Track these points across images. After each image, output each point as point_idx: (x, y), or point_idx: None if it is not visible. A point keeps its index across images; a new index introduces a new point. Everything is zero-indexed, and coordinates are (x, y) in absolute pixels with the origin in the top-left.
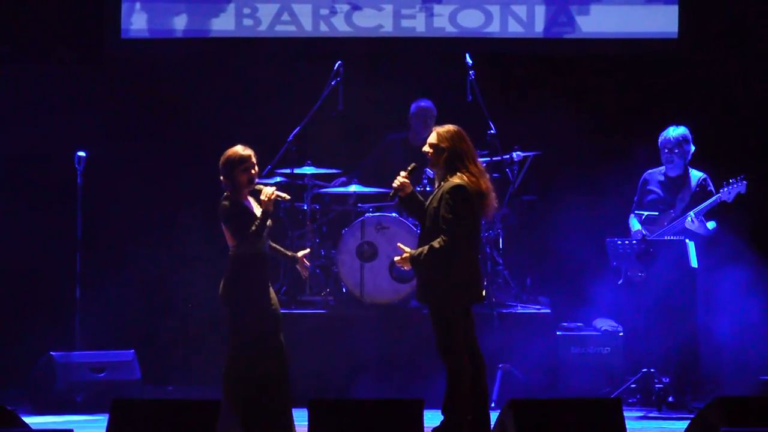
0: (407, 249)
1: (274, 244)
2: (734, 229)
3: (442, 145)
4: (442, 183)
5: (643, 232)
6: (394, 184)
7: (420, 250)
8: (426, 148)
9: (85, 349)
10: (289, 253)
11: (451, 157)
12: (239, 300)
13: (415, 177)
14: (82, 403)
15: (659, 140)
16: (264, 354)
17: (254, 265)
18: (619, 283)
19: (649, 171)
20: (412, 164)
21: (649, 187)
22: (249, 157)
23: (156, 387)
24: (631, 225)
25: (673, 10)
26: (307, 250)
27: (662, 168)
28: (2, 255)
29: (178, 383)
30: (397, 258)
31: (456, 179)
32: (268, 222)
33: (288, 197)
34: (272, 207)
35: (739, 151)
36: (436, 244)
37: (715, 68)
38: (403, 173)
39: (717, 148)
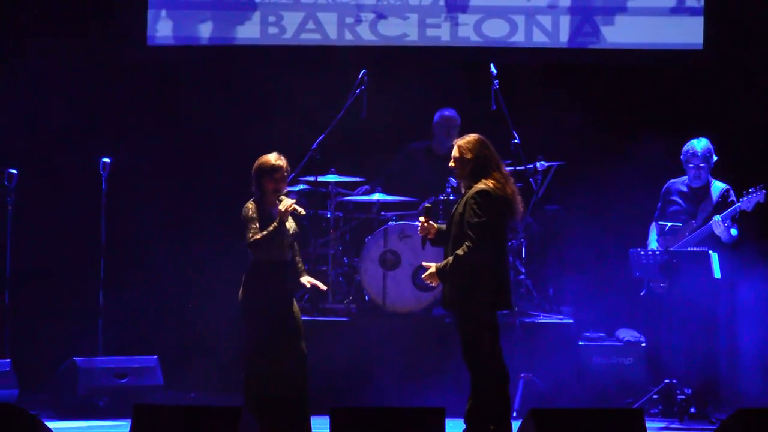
0: (432, 264)
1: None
2: (757, 238)
3: (467, 156)
4: (467, 191)
5: (656, 247)
6: (419, 233)
7: (445, 262)
8: (451, 163)
9: (108, 354)
10: (300, 270)
11: (476, 167)
12: (253, 308)
13: (433, 212)
14: (105, 409)
15: (683, 153)
16: (282, 362)
17: (272, 273)
18: (642, 294)
19: (672, 181)
20: (426, 205)
21: (671, 198)
22: (280, 167)
23: (178, 393)
24: (649, 237)
25: (699, 21)
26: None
27: (684, 178)
28: (27, 260)
29: (200, 389)
30: (424, 275)
31: (481, 185)
32: (291, 229)
33: (303, 212)
34: (286, 218)
35: (764, 162)
36: (460, 251)
37: (739, 79)
38: (421, 219)
39: (741, 159)
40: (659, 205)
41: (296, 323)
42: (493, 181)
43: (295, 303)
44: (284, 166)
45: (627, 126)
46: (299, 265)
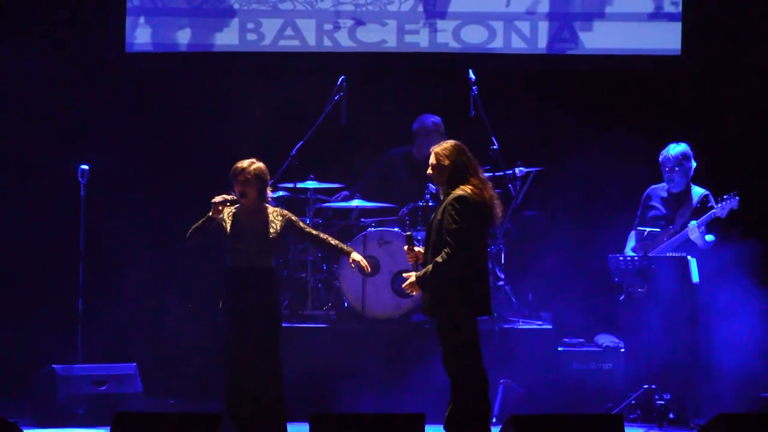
0: (412, 273)
1: (327, 240)
2: (735, 243)
3: (444, 162)
4: (445, 197)
5: (631, 254)
6: (409, 261)
7: (424, 270)
8: (429, 171)
9: (87, 361)
10: (338, 247)
11: (453, 173)
12: (223, 313)
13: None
14: (84, 416)
15: (660, 158)
16: (255, 368)
17: (235, 279)
18: (621, 299)
19: (653, 187)
20: (407, 233)
21: (651, 203)
22: (242, 170)
23: (158, 400)
24: (627, 243)
25: (677, 27)
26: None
27: (665, 184)
28: (4, 266)
29: (179, 397)
30: (405, 285)
31: (458, 191)
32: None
33: (227, 197)
34: (216, 211)
35: (741, 168)
36: (439, 258)
37: (717, 85)
38: (405, 248)
39: (719, 164)
40: (639, 212)
41: (267, 328)
42: (470, 187)
43: (271, 308)
44: (247, 168)
45: (606, 132)
46: (337, 244)
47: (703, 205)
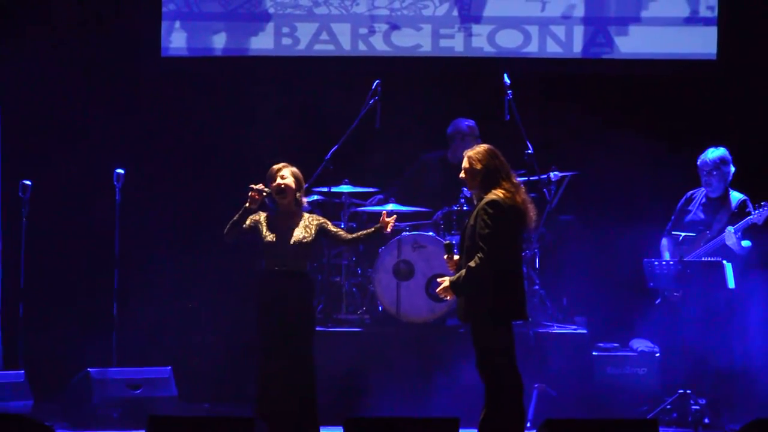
0: (445, 278)
1: (356, 235)
2: None
3: (477, 167)
4: (478, 202)
5: (668, 259)
6: (450, 269)
7: (458, 275)
8: (461, 174)
9: (122, 365)
10: (372, 229)
11: (486, 176)
12: (256, 316)
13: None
14: (119, 420)
15: (698, 162)
16: (287, 371)
17: (268, 281)
18: (657, 302)
19: (692, 190)
20: (446, 242)
21: (689, 207)
22: (277, 170)
23: (192, 404)
24: (661, 249)
25: (712, 32)
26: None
27: (703, 189)
28: (41, 271)
29: (213, 400)
30: (438, 289)
31: (491, 195)
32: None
33: (261, 187)
34: (251, 203)
35: None
36: (472, 263)
37: (754, 89)
38: (445, 257)
39: (758, 169)
40: (673, 217)
41: (301, 332)
42: (502, 191)
43: (304, 312)
44: (285, 167)
45: (641, 136)
46: (367, 231)
47: (741, 210)
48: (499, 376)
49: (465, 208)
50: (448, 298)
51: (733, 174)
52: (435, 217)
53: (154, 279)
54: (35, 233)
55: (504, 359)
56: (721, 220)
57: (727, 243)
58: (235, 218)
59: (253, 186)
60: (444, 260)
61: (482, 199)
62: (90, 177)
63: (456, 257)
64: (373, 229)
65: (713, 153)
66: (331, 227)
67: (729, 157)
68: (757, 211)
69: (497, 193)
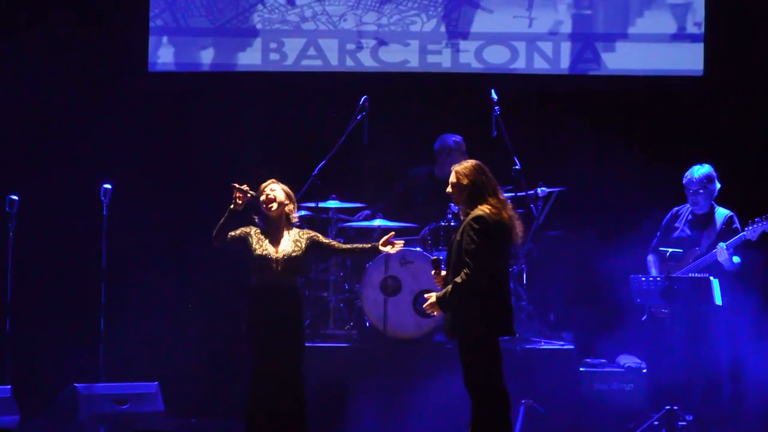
0: (432, 293)
1: (351, 246)
2: (761, 265)
3: (463, 182)
4: (465, 217)
5: (655, 275)
6: (438, 285)
7: (444, 291)
8: (448, 189)
9: (109, 380)
10: (366, 246)
11: (472, 192)
12: (246, 331)
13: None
14: None
15: (684, 180)
16: (276, 386)
17: (257, 296)
18: (644, 319)
19: (676, 208)
20: (434, 258)
21: (675, 224)
22: (269, 182)
23: (179, 419)
24: (648, 265)
25: (699, 48)
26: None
27: (688, 205)
28: (28, 286)
29: (201, 415)
30: (425, 305)
31: (477, 211)
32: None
33: (246, 188)
34: (235, 204)
35: (765, 189)
36: (458, 279)
37: (740, 106)
38: (433, 273)
39: (744, 186)
40: (659, 234)
41: (291, 347)
42: (489, 207)
43: (295, 327)
44: (275, 182)
45: (628, 152)
46: (364, 246)
47: (728, 227)
48: (485, 392)
49: (452, 223)
50: (435, 314)
51: (719, 190)
52: (422, 233)
53: (141, 294)
54: (22, 248)
55: (491, 375)
56: (710, 236)
57: (718, 259)
58: (221, 220)
59: (236, 185)
60: (431, 276)
61: (468, 214)
62: (77, 192)
63: (443, 272)
64: (370, 246)
65: (699, 171)
66: (322, 239)
67: (714, 174)
68: (749, 228)
69: (483, 209)
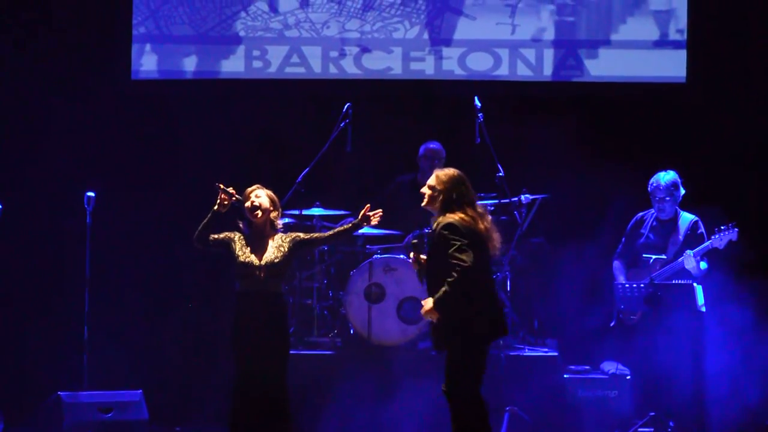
0: (428, 299)
1: (336, 230)
2: (740, 268)
3: (439, 187)
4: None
5: (623, 281)
6: (414, 268)
7: (438, 294)
8: (424, 189)
9: (93, 388)
10: (348, 226)
11: (446, 200)
12: (231, 338)
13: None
14: None
15: (649, 187)
16: (261, 393)
17: (241, 303)
18: (612, 325)
19: (640, 214)
20: (413, 241)
21: (640, 231)
22: (254, 188)
23: (163, 427)
24: (615, 271)
25: (682, 55)
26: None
27: (653, 210)
28: (10, 293)
29: (185, 423)
30: (422, 311)
31: (447, 219)
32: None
33: (232, 191)
34: (219, 206)
35: (744, 196)
36: (450, 279)
37: (722, 113)
38: (411, 255)
39: (722, 193)
40: (624, 240)
41: (276, 353)
42: (461, 215)
43: (280, 333)
44: (260, 187)
45: (611, 159)
46: (345, 226)
47: (693, 232)
48: (465, 398)
49: (425, 230)
50: (434, 318)
51: (682, 196)
52: (406, 240)
53: (124, 301)
54: (5, 255)
55: (474, 382)
56: (676, 242)
57: (686, 267)
58: (204, 221)
59: (221, 186)
60: (416, 283)
61: (438, 223)
62: (60, 199)
63: (423, 257)
64: (351, 224)
65: (665, 177)
66: (304, 236)
67: (679, 180)
68: (716, 236)
69: (453, 217)
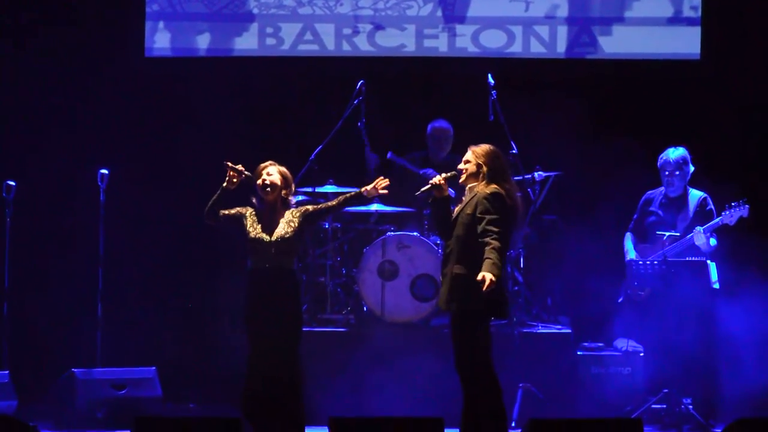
0: (484, 273)
1: (345, 196)
2: (754, 247)
3: (480, 161)
4: (476, 193)
5: (634, 257)
6: (432, 181)
7: (492, 261)
8: (461, 165)
9: (107, 366)
10: (355, 192)
11: (490, 171)
12: (243, 315)
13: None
14: (103, 420)
15: (659, 162)
16: (273, 370)
17: (252, 280)
18: (619, 301)
19: (650, 191)
20: (452, 172)
21: (650, 209)
22: (266, 165)
23: (177, 404)
24: (625, 247)
25: (696, 32)
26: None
27: (662, 188)
28: (25, 271)
29: (198, 401)
30: (484, 286)
31: (495, 188)
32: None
33: (241, 168)
34: (228, 183)
35: (759, 172)
36: (495, 243)
37: (736, 90)
38: (440, 177)
39: (737, 169)
40: (635, 216)
41: (289, 330)
42: (507, 186)
43: (292, 310)
44: (273, 163)
45: (625, 136)
46: (351, 193)
47: (702, 209)
48: (478, 375)
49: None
50: (492, 285)
51: (692, 172)
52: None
53: (138, 279)
54: (19, 233)
55: (484, 358)
56: (685, 218)
57: (696, 243)
58: (213, 198)
59: (229, 164)
60: (428, 260)
61: (474, 192)
62: (74, 177)
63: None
64: (358, 191)
65: (675, 153)
66: (312, 208)
67: (689, 156)
68: (726, 212)
69: (500, 189)
